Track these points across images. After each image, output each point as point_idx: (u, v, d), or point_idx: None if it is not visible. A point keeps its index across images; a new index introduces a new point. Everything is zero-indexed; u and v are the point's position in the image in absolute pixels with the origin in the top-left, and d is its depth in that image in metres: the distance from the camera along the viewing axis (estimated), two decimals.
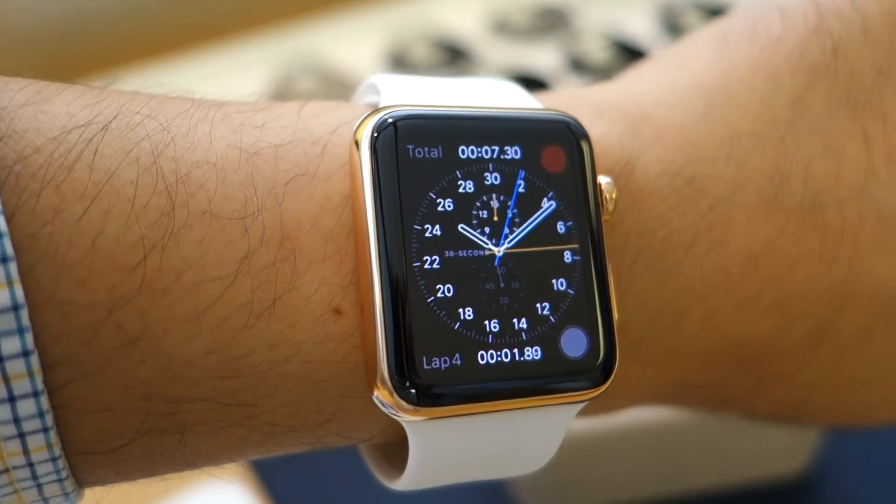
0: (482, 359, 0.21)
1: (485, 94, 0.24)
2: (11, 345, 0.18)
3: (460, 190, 0.22)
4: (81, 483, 0.21)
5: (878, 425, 0.28)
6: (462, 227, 0.21)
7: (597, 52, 0.67)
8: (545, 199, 0.22)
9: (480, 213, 0.22)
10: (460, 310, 0.21)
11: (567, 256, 0.22)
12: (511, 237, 0.22)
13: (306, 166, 0.21)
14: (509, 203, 0.22)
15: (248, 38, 0.69)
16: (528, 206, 0.22)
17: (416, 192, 0.21)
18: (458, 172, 0.22)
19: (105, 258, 0.19)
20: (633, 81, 0.26)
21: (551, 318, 0.22)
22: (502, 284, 0.21)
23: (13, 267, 0.18)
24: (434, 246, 0.21)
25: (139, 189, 0.20)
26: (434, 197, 0.21)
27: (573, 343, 0.22)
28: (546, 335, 0.22)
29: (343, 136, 0.22)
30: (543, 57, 0.67)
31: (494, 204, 0.22)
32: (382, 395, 0.20)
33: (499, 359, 0.21)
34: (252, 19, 0.71)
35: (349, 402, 0.21)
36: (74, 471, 0.20)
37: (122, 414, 0.20)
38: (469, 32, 0.70)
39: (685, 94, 0.25)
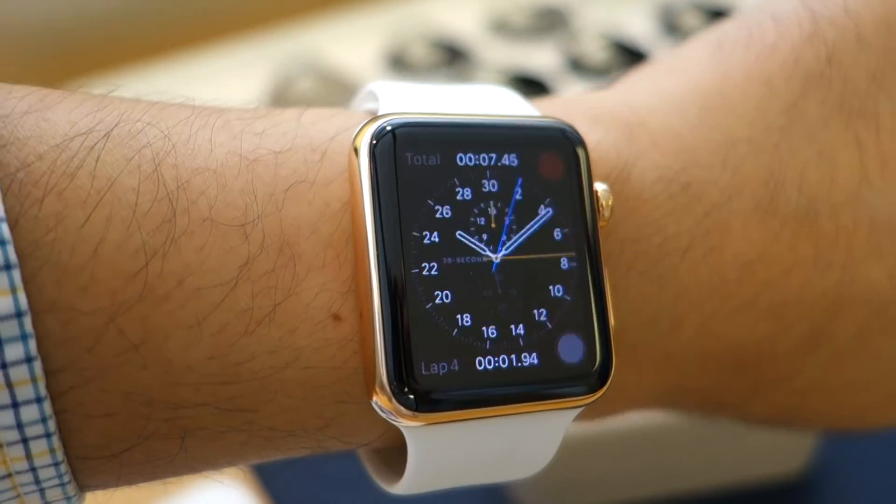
0: (480, 365, 0.21)
1: (482, 101, 0.24)
2: (15, 351, 0.18)
3: (458, 197, 0.22)
4: (83, 487, 0.21)
5: (874, 429, 0.28)
6: (460, 234, 0.22)
7: (596, 52, 0.67)
8: (542, 206, 0.22)
9: (478, 219, 0.22)
10: (458, 316, 0.21)
11: (564, 263, 0.22)
12: (508, 244, 0.22)
13: (306, 173, 0.22)
14: (507, 210, 0.22)
15: (247, 39, 0.69)
16: (525, 212, 0.22)
17: (414, 199, 0.21)
18: (455, 179, 0.22)
19: (107, 265, 0.19)
20: (629, 88, 0.26)
21: (548, 324, 0.22)
22: (500, 291, 0.22)
23: (16, 274, 0.18)
24: (432, 252, 0.21)
25: (141, 196, 0.20)
26: (432, 204, 0.22)
27: (570, 349, 0.22)
28: (543, 341, 0.22)
29: (342, 143, 0.22)
30: (542, 57, 0.67)
31: (492, 211, 0.22)
32: (381, 401, 0.21)
33: (496, 364, 0.21)
34: (251, 19, 0.71)
35: (348, 408, 0.22)
36: (76, 475, 0.21)
37: (124, 419, 0.20)
38: (468, 32, 0.70)
39: (681, 101, 0.25)
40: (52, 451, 0.19)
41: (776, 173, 0.24)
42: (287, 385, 0.21)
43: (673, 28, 0.70)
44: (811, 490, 0.41)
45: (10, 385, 0.18)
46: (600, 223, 0.23)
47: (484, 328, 0.21)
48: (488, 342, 0.21)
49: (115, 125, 0.21)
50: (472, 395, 0.21)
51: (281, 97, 0.63)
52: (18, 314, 0.18)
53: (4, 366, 0.18)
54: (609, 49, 0.67)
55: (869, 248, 0.25)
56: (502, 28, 0.71)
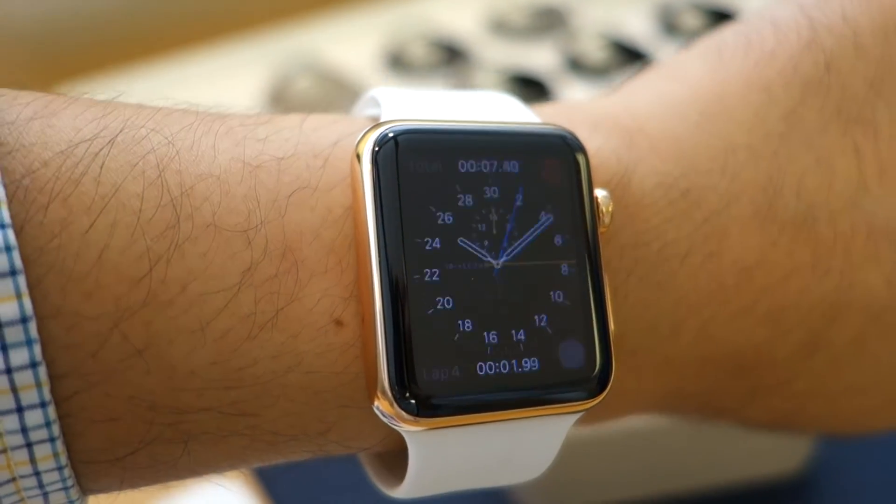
0: (481, 370, 0.21)
1: (484, 108, 0.25)
2: (19, 356, 0.18)
3: (460, 203, 0.22)
4: (86, 491, 0.21)
5: (872, 433, 0.28)
6: (461, 241, 0.22)
7: (594, 51, 0.67)
8: (543, 213, 0.23)
9: (479, 226, 0.22)
10: (459, 322, 0.21)
11: (564, 269, 0.22)
12: (509, 250, 0.22)
13: (308, 179, 0.22)
14: (508, 216, 0.22)
15: (245, 38, 0.69)
16: (526, 219, 0.22)
17: (416, 205, 0.21)
18: (457, 186, 0.22)
19: (111, 270, 0.19)
20: (629, 94, 0.26)
21: (548, 329, 0.22)
22: (501, 297, 0.22)
23: (22, 280, 0.18)
24: (434, 258, 0.21)
25: (145, 202, 0.20)
26: (434, 210, 0.22)
27: (570, 354, 0.22)
28: (543, 346, 0.22)
29: (344, 149, 0.22)
30: (541, 57, 0.67)
31: (493, 217, 0.22)
32: (383, 406, 0.21)
33: (497, 370, 0.21)
34: (250, 19, 0.71)
35: (350, 412, 0.22)
36: (80, 479, 0.21)
37: (128, 423, 0.20)
38: (467, 32, 0.70)
39: (680, 107, 0.25)
40: (55, 455, 0.19)
41: (775, 179, 0.24)
42: (289, 390, 0.21)
43: (672, 28, 0.70)
44: (809, 489, 0.42)
45: (14, 389, 0.19)
46: (600, 229, 0.23)
47: (485, 334, 0.21)
48: (489, 347, 0.21)
49: (120, 131, 0.21)
50: (474, 400, 0.21)
51: (280, 96, 0.63)
52: (23, 319, 0.18)
53: (9, 370, 0.18)
54: (608, 49, 0.67)
55: (866, 255, 0.25)
56: (501, 28, 0.71)
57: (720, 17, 0.69)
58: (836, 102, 0.25)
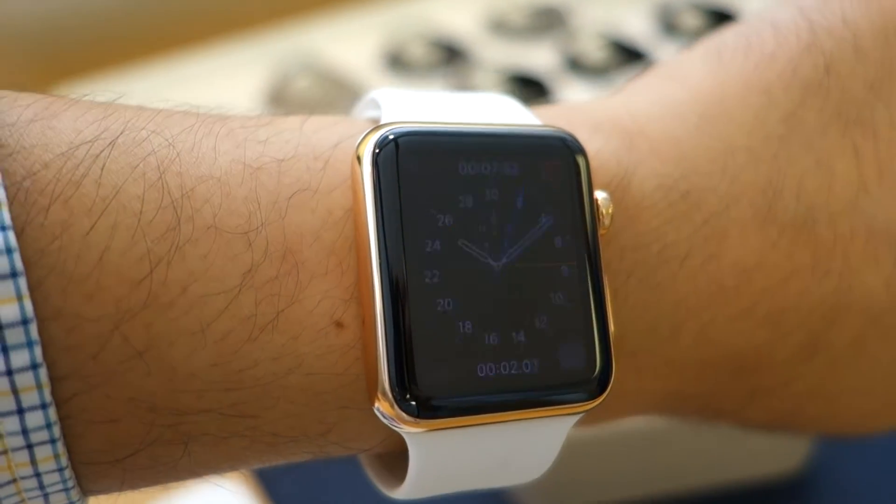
0: (481, 371, 0.21)
1: (484, 109, 0.25)
2: (20, 358, 0.18)
3: (460, 205, 0.22)
4: (86, 492, 0.21)
5: (871, 434, 0.28)
6: (462, 242, 0.22)
7: (594, 51, 0.67)
8: (543, 215, 0.23)
9: (480, 228, 0.22)
10: (460, 323, 0.21)
11: (564, 270, 0.22)
12: (510, 252, 0.22)
13: (309, 181, 0.22)
14: (508, 218, 0.22)
15: (245, 38, 0.69)
16: (526, 221, 0.22)
17: (416, 207, 0.21)
18: (457, 188, 0.22)
19: (112, 272, 0.19)
20: (629, 96, 0.26)
21: (549, 331, 0.22)
22: (501, 298, 0.22)
23: (22, 282, 0.18)
24: (434, 260, 0.21)
25: (145, 204, 0.20)
26: (434, 212, 0.22)
27: (570, 356, 0.22)
28: (544, 348, 0.22)
29: (345, 151, 0.22)
30: (540, 56, 0.67)
31: (493, 219, 0.22)
32: (383, 407, 0.21)
33: (497, 371, 0.21)
34: (249, 18, 0.71)
35: (350, 414, 0.22)
36: (80, 480, 0.21)
37: (128, 425, 0.20)
38: (466, 32, 0.70)
39: (680, 109, 0.25)
40: (56, 456, 0.20)
41: (774, 182, 0.24)
42: (290, 391, 0.21)
43: (671, 28, 0.70)
44: (808, 489, 0.42)
45: (15, 391, 0.19)
46: (600, 231, 0.23)
47: (485, 335, 0.21)
48: (490, 349, 0.21)
49: (121, 133, 0.21)
50: (474, 402, 0.21)
51: (279, 96, 0.63)
52: (24, 321, 0.18)
53: (10, 372, 0.18)
54: (607, 48, 0.67)
55: (866, 257, 0.25)
56: (500, 27, 0.71)
57: (720, 17, 0.69)
58: (835, 105, 0.25)
